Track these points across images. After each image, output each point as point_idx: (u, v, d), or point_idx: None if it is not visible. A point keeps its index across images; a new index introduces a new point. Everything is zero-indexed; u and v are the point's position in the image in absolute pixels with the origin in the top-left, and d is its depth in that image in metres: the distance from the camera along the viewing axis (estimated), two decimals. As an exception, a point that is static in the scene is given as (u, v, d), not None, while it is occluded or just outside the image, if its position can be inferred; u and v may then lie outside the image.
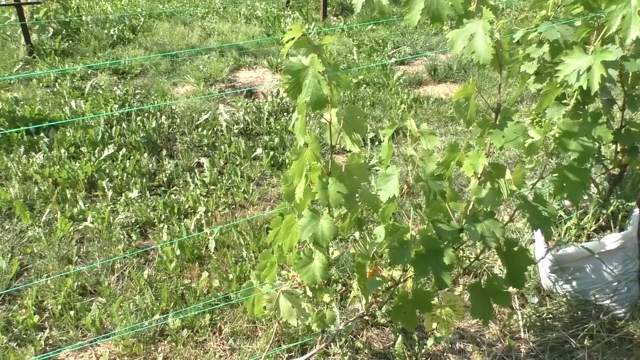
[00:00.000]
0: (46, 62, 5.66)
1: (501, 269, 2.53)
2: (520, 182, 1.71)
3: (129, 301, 2.51)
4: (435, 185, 1.67)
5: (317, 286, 1.74)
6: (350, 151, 1.61)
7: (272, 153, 3.83)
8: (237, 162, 3.79)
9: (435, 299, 1.87)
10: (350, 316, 2.35)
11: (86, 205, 3.26)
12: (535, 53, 1.96)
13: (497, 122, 1.62)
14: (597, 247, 2.21)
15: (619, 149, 2.32)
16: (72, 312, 2.43)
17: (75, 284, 2.61)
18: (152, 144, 4.00)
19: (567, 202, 2.54)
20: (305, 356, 2.10)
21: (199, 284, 2.58)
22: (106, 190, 3.37)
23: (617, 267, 2.23)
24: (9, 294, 2.58)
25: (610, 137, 1.74)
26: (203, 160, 3.79)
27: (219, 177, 3.58)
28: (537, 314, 2.36)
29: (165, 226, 3.04)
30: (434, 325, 1.89)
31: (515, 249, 1.79)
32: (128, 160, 3.70)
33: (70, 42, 6.31)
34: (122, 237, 2.96)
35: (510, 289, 1.89)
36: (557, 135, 1.69)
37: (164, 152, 3.92)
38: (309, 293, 1.85)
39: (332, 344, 2.21)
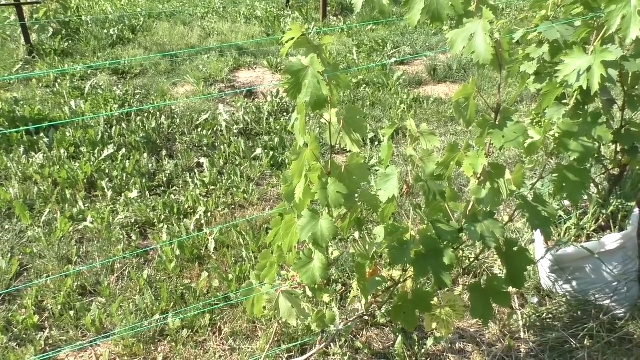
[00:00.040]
0: (46, 62, 5.66)
1: (501, 269, 2.53)
2: (520, 182, 1.71)
3: (129, 301, 2.51)
4: (434, 185, 1.67)
5: (316, 286, 1.73)
6: (350, 151, 1.60)
7: (271, 153, 3.83)
8: (237, 162, 3.79)
9: (435, 299, 1.87)
10: (350, 316, 2.35)
11: (86, 206, 3.26)
12: (535, 53, 1.96)
13: (497, 122, 1.62)
14: (597, 247, 2.21)
15: (618, 149, 2.32)
16: (72, 312, 2.43)
17: (75, 284, 2.61)
18: (152, 144, 4.00)
19: (566, 202, 2.54)
20: (305, 356, 2.10)
21: (198, 284, 2.58)
22: (106, 190, 3.37)
23: (617, 267, 2.23)
24: (8, 294, 2.58)
25: (610, 137, 1.74)
26: (203, 160, 3.79)
27: (219, 177, 3.58)
28: (537, 314, 2.36)
29: (165, 226, 3.04)
30: (434, 325, 1.89)
31: (515, 249, 1.79)
32: (128, 161, 3.70)
33: (70, 42, 6.31)
34: (121, 237, 2.96)
35: (510, 289, 1.89)
36: (557, 135, 1.69)
37: (164, 152, 3.92)
38: (309, 293, 1.85)
39: (332, 344, 2.21)
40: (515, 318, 2.36)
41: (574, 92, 1.78)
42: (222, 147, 3.96)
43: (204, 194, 3.42)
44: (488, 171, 1.64)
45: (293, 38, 1.43)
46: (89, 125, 4.19)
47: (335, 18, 7.73)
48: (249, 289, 1.85)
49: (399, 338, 2.21)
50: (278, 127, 4.28)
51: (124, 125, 4.18)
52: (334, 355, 2.21)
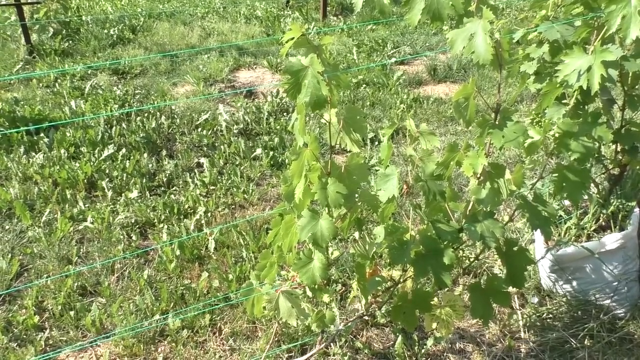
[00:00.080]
0: (46, 62, 5.66)
1: (501, 269, 2.53)
2: (520, 182, 1.71)
3: (129, 301, 2.51)
4: (434, 185, 1.67)
5: (316, 286, 1.73)
6: (350, 151, 1.60)
7: (271, 153, 3.83)
8: (237, 162, 3.79)
9: (435, 299, 1.87)
10: (350, 316, 2.35)
11: (86, 206, 3.26)
12: (535, 53, 1.96)
13: (497, 122, 1.62)
14: (597, 247, 2.21)
15: (619, 149, 2.32)
16: (72, 313, 2.43)
17: (75, 284, 2.61)
18: (152, 144, 4.00)
19: (567, 202, 2.54)
20: (305, 356, 2.10)
21: (198, 284, 2.58)
22: (106, 190, 3.37)
23: (617, 267, 2.23)
24: (9, 294, 2.58)
25: (610, 137, 1.74)
26: (203, 160, 3.79)
27: (219, 177, 3.58)
28: (537, 314, 2.36)
29: (165, 226, 3.04)
30: (434, 325, 1.89)
31: (515, 248, 1.79)
32: (128, 161, 3.70)
33: (70, 42, 6.31)
34: (122, 237, 2.96)
35: (510, 288, 1.88)
36: (557, 135, 1.68)
37: (164, 152, 3.92)
38: (309, 293, 1.84)
39: (332, 344, 2.21)
40: (515, 318, 2.36)
41: (574, 92, 1.78)
42: (222, 147, 3.96)
43: (204, 194, 3.42)
44: (488, 171, 1.64)
45: (293, 38, 1.43)
46: (89, 126, 4.19)
47: (335, 18, 7.73)
48: (249, 289, 1.85)
49: (399, 338, 2.21)
50: (278, 127, 4.28)
51: (124, 125, 4.18)
52: (334, 355, 2.21)
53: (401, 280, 1.90)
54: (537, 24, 1.98)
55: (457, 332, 2.32)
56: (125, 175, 3.53)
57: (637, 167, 2.36)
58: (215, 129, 4.25)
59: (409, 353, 2.19)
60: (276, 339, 2.27)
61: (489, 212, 1.68)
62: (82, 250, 2.90)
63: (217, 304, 2.47)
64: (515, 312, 2.39)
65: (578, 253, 2.23)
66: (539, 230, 2.16)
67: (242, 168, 3.70)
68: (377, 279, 1.90)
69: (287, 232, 1.71)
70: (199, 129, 4.24)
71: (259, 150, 3.89)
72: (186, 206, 3.25)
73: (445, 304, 1.88)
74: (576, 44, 1.78)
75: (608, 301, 2.27)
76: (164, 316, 2.42)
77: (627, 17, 1.52)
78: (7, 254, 2.82)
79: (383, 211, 1.73)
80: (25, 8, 5.97)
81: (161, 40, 6.60)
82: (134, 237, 2.97)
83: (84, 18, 7.03)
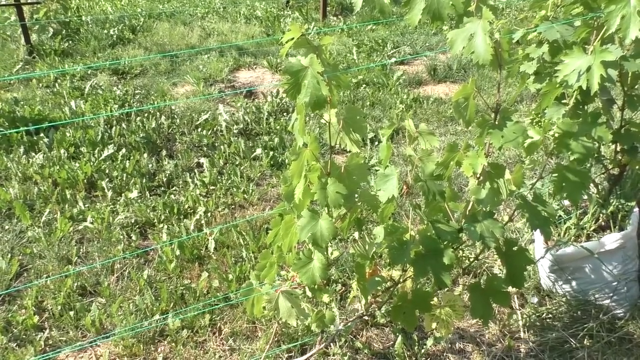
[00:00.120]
0: (46, 62, 5.66)
1: (501, 269, 2.53)
2: (520, 182, 1.71)
3: (129, 301, 2.51)
4: (434, 185, 1.67)
5: (316, 286, 1.74)
6: (349, 151, 1.60)
7: (271, 153, 3.83)
8: (237, 162, 3.79)
9: (435, 299, 1.87)
10: (349, 316, 2.35)
11: (86, 206, 3.26)
12: (535, 53, 1.96)
13: (497, 122, 1.62)
14: (597, 247, 2.21)
15: (618, 149, 2.32)
16: (71, 313, 2.43)
17: (75, 284, 2.61)
18: (152, 144, 4.00)
19: (566, 202, 2.54)
20: (305, 356, 2.10)
21: (198, 284, 2.58)
22: (106, 190, 3.37)
23: (616, 267, 2.23)
24: (8, 294, 2.58)
25: (609, 137, 1.74)
26: (203, 160, 3.79)
27: (219, 177, 3.58)
28: (537, 314, 2.36)
29: (165, 226, 3.04)
30: (434, 325, 1.89)
31: (515, 248, 1.79)
32: (128, 161, 3.70)
33: (70, 42, 6.31)
34: (121, 237, 2.96)
35: (510, 288, 1.89)
36: (556, 135, 1.69)
37: (164, 153, 3.92)
38: (309, 293, 1.84)
39: (331, 344, 2.21)
40: (515, 318, 2.36)
41: (574, 92, 1.78)
42: (222, 147, 3.96)
43: (204, 194, 3.42)
44: (487, 171, 1.64)
45: (293, 38, 1.43)
46: (88, 126, 4.19)
47: (335, 18, 7.73)
48: (249, 289, 1.85)
49: (399, 338, 2.21)
50: (278, 127, 4.28)
51: (123, 125, 4.18)
52: (333, 355, 2.21)
53: (401, 280, 1.90)
54: (536, 24, 1.99)
55: (457, 332, 2.33)
56: (125, 175, 3.53)
57: (637, 167, 2.36)
58: (215, 129, 4.25)
59: (408, 353, 2.19)
60: (276, 339, 2.27)
61: (489, 212, 1.68)
62: (81, 250, 2.90)
63: (217, 304, 2.47)
64: (514, 312, 2.39)
65: (577, 253, 2.23)
66: (538, 230, 2.17)
67: (242, 168, 3.70)
68: (376, 279, 1.90)
69: (286, 232, 1.71)
70: (199, 129, 4.24)
71: (258, 150, 3.89)
72: (186, 206, 3.25)
73: (445, 304, 1.88)
74: (576, 44, 1.78)
75: (607, 301, 2.27)
76: (164, 316, 2.42)
77: (627, 17, 1.52)
78: (7, 254, 2.82)
79: (383, 211, 1.73)
80: (25, 8, 5.97)
81: (161, 41, 6.60)
82: (133, 237, 2.97)
83: (83, 18, 7.04)
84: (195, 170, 3.69)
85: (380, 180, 1.65)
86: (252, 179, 3.60)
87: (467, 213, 1.75)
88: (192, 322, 2.38)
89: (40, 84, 5.14)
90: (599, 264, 2.24)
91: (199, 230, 3.03)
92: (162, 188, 3.49)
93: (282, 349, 2.23)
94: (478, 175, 1.67)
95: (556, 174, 1.72)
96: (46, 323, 2.42)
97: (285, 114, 4.58)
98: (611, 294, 2.26)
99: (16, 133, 3.94)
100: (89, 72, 5.44)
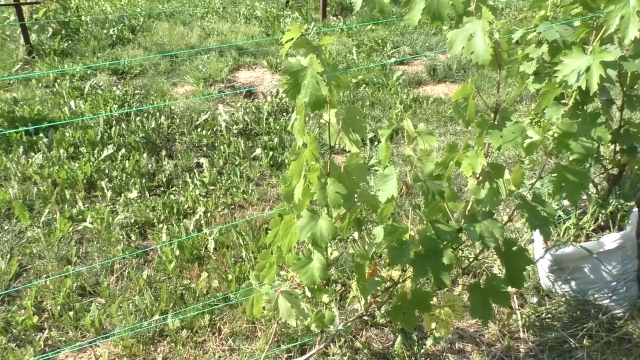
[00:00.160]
0: (45, 62, 5.66)
1: (500, 269, 2.53)
2: (519, 182, 1.71)
3: (128, 302, 2.51)
4: (433, 185, 1.67)
5: (316, 286, 1.74)
6: (349, 151, 1.61)
7: (271, 153, 3.83)
8: (237, 163, 3.79)
9: (435, 299, 1.87)
10: (349, 316, 2.35)
11: (85, 206, 3.26)
12: (534, 53, 1.96)
13: (496, 122, 1.62)
14: (596, 247, 2.21)
15: (617, 149, 2.32)
16: (71, 313, 2.43)
17: (75, 284, 2.61)
18: (152, 144, 4.00)
19: (566, 202, 2.54)
20: (305, 356, 2.10)
21: (198, 285, 2.58)
22: (105, 190, 3.37)
23: (615, 267, 2.23)
24: (8, 294, 2.58)
25: (609, 137, 1.74)
26: (202, 160, 3.79)
27: (218, 177, 3.58)
28: (536, 314, 2.36)
29: (165, 226, 3.04)
30: (433, 325, 1.89)
31: (514, 248, 1.79)
32: (127, 161, 3.70)
33: (70, 42, 6.31)
34: (121, 237, 2.96)
35: (509, 288, 1.89)
36: (556, 135, 1.69)
37: (164, 153, 3.92)
38: (308, 293, 1.84)
39: (331, 344, 2.21)
40: (514, 318, 2.36)
41: (573, 92, 1.78)
42: (221, 147, 3.96)
43: (204, 194, 3.42)
44: (487, 171, 1.64)
45: (292, 39, 1.43)
46: (88, 126, 4.19)
47: (334, 18, 7.73)
48: (249, 289, 1.85)
49: (399, 338, 2.21)
50: (278, 127, 4.28)
51: (123, 125, 4.18)
52: (333, 355, 2.21)
53: (400, 280, 1.91)
54: (536, 24, 1.99)
55: (457, 332, 2.33)
56: (124, 175, 3.53)
57: (636, 167, 2.36)
58: (214, 129, 4.25)
59: (408, 353, 2.19)
60: (275, 339, 2.27)
61: (488, 212, 1.68)
62: (81, 250, 2.90)
63: (216, 304, 2.47)
64: (514, 312, 2.39)
65: (577, 253, 2.23)
66: (538, 230, 2.17)
67: (241, 168, 3.70)
68: (376, 279, 1.90)
69: (286, 233, 1.71)
70: (199, 129, 4.24)
71: (258, 151, 3.89)
72: (186, 206, 3.25)
73: (444, 304, 1.88)
74: (575, 44, 1.78)
75: (607, 301, 2.28)
76: (164, 316, 2.42)
77: (626, 18, 1.52)
78: (6, 254, 2.82)
79: (382, 211, 1.74)
80: (25, 8, 5.97)
81: (161, 41, 6.60)
82: (133, 238, 2.97)
83: (83, 18, 7.03)
84: (195, 171, 3.69)
85: (380, 180, 1.66)
86: (251, 179, 3.60)
87: (467, 213, 1.75)
88: (191, 322, 2.38)
89: (40, 84, 5.14)
90: (598, 264, 2.24)
91: (199, 230, 3.03)
92: (162, 188, 3.49)
93: (282, 349, 2.23)
94: (477, 176, 1.68)
95: (555, 174, 1.72)
96: (46, 323, 2.42)
97: (285, 114, 4.58)
98: (610, 294, 2.26)
99: (15, 133, 3.93)
100: (88, 72, 5.44)
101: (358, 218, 1.83)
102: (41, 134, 4.00)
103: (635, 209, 2.33)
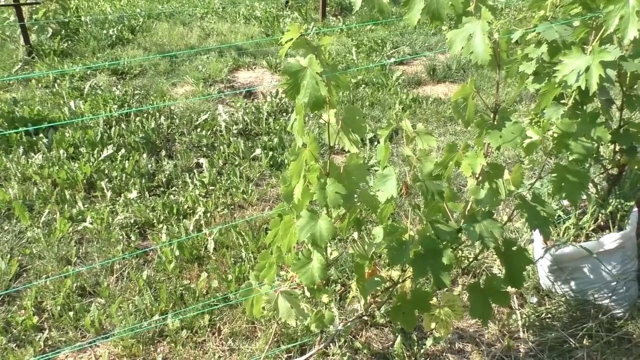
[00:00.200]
0: (45, 62, 5.66)
1: (500, 269, 2.53)
2: (519, 182, 1.71)
3: (128, 302, 2.51)
4: (433, 185, 1.67)
5: (315, 287, 1.74)
6: (349, 151, 1.61)
7: (271, 153, 3.83)
8: (236, 163, 3.79)
9: (434, 299, 1.87)
10: (349, 316, 2.35)
11: (85, 206, 3.26)
12: (534, 53, 1.96)
13: (495, 122, 1.62)
14: (596, 247, 2.21)
15: (617, 149, 2.32)
16: (71, 313, 2.43)
17: (75, 284, 2.61)
18: (151, 145, 4.00)
19: (565, 202, 2.54)
20: (305, 356, 2.10)
21: (198, 285, 2.58)
22: (105, 190, 3.37)
23: (615, 267, 2.23)
24: (8, 294, 2.58)
25: (608, 137, 1.74)
26: (202, 160, 3.79)
27: (218, 177, 3.58)
28: (536, 314, 2.36)
29: (165, 227, 3.04)
30: (433, 325, 1.89)
31: (514, 248, 1.79)
32: (127, 161, 3.70)
33: (69, 42, 6.31)
34: (121, 237, 2.96)
35: (509, 288, 1.89)
36: (555, 135, 1.69)
37: (163, 153, 3.92)
38: (308, 293, 1.85)
39: (331, 344, 2.21)
40: (514, 318, 2.36)
41: (573, 92, 1.78)
42: (221, 147, 3.96)
43: (203, 194, 3.42)
44: (487, 171, 1.64)
45: (292, 39, 1.43)
46: (88, 126, 4.19)
47: (334, 18, 7.73)
48: (248, 289, 1.85)
49: (398, 338, 2.21)
50: (277, 128, 4.28)
51: (123, 125, 4.18)
52: (333, 355, 2.21)
53: (400, 280, 1.91)
54: (535, 24, 1.99)
55: (456, 332, 2.33)
56: (124, 175, 3.53)
57: (636, 167, 2.36)
58: (214, 129, 4.25)
59: (408, 353, 2.20)
60: (275, 339, 2.27)
61: (488, 212, 1.68)
62: (81, 250, 2.90)
63: (216, 305, 2.47)
64: (514, 312, 2.39)
65: (577, 253, 2.23)
66: (537, 230, 2.17)
67: (241, 168, 3.70)
68: (376, 279, 1.90)
69: (286, 233, 1.71)
70: (198, 129, 4.24)
71: (258, 151, 3.89)
72: (185, 206, 3.25)
73: (444, 304, 1.88)
74: (575, 44, 1.78)
75: (607, 301, 2.28)
76: (163, 316, 2.42)
77: (625, 18, 1.52)
78: (6, 254, 2.82)
79: (382, 211, 1.74)
80: (24, 8, 5.97)
81: (160, 41, 6.60)
82: (133, 238, 2.97)
83: (83, 18, 7.03)
84: (195, 171, 3.69)
85: (379, 180, 1.66)
86: (251, 179, 3.60)
87: (466, 213, 1.75)
88: (191, 322, 2.38)
89: (40, 84, 5.14)
90: (598, 264, 2.24)
91: (199, 230, 3.03)
92: (162, 188, 3.49)
93: (282, 349, 2.23)
94: (477, 176, 1.68)
95: (555, 174, 1.72)
96: (45, 323, 2.42)
97: (284, 114, 4.58)
98: (610, 294, 2.26)
99: (15, 133, 3.93)
100: (88, 72, 5.44)
101: (358, 218, 1.83)
102: (41, 134, 4.00)
103: (635, 209, 2.33)
